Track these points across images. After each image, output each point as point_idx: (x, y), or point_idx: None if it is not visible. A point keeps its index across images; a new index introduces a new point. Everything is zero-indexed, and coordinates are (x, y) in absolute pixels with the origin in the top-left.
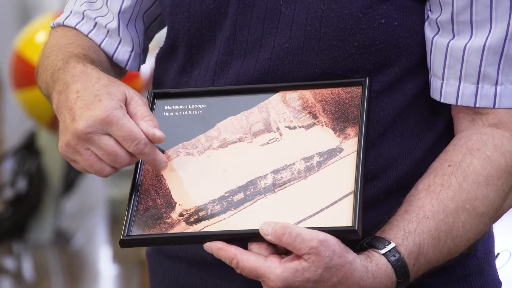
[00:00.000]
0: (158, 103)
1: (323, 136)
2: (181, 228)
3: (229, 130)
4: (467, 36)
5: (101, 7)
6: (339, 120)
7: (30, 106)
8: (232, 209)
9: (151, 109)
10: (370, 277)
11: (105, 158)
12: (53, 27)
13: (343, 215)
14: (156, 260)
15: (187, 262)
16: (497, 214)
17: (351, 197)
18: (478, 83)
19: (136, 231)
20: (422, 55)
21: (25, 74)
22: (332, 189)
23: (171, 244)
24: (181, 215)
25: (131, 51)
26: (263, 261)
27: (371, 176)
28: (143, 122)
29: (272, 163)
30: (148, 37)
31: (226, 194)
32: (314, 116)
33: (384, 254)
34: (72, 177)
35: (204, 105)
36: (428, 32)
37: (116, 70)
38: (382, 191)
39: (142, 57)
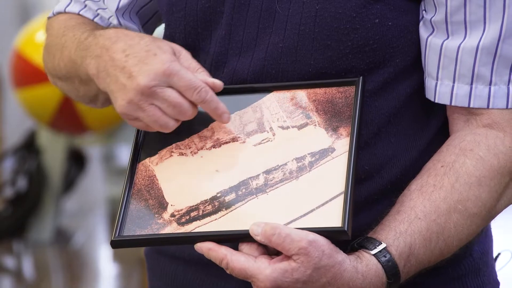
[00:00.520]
0: None
1: (316, 136)
2: (173, 228)
3: (223, 130)
4: (461, 36)
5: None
6: (332, 120)
7: (30, 105)
8: (224, 209)
9: None
10: (360, 278)
11: (170, 111)
12: (51, 16)
13: (333, 216)
14: (155, 259)
15: (184, 262)
16: (490, 215)
17: (342, 197)
18: (472, 84)
19: (128, 231)
20: (416, 55)
21: (25, 73)
22: (323, 189)
23: (163, 245)
24: (172, 215)
25: None
26: (253, 261)
27: (366, 176)
28: (198, 73)
29: (264, 163)
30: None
31: (218, 195)
32: (307, 116)
33: (374, 255)
34: (72, 176)
35: None
36: (423, 32)
37: None
38: (376, 191)
39: None
